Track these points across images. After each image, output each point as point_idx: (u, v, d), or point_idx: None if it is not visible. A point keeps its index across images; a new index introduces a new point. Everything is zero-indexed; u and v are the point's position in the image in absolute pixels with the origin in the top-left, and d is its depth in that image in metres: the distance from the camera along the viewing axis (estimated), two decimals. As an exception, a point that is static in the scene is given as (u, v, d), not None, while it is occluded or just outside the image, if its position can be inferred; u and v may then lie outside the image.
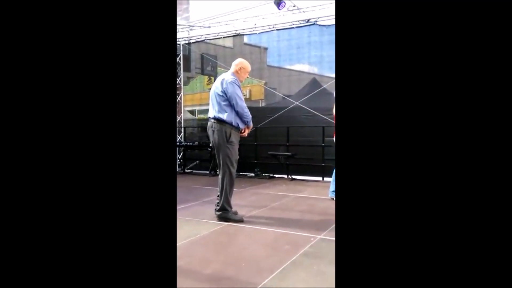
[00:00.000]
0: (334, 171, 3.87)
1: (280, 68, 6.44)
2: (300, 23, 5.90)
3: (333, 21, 5.70)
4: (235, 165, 2.98)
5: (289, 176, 5.67)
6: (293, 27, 5.98)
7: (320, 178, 5.38)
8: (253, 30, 6.30)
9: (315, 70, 6.13)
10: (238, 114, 2.90)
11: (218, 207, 2.97)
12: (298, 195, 4.25)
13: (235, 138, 2.94)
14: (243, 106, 2.89)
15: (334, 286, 1.68)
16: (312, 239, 2.41)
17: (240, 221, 2.91)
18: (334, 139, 3.91)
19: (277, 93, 6.48)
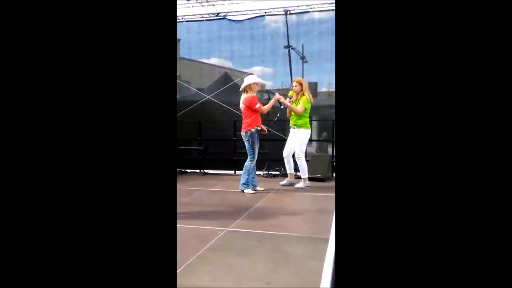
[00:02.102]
0: (245, 164, 3.97)
1: (192, 61, 6.31)
2: (210, 16, 5.85)
3: (243, 17, 5.79)
4: None
5: (202, 170, 5.62)
6: (203, 20, 5.90)
7: (232, 172, 5.46)
8: (162, 20, 6.03)
9: (226, 64, 6.16)
10: None
11: None
12: (210, 189, 4.23)
13: None
14: None
15: (238, 276, 1.73)
16: (219, 232, 2.42)
17: None
18: (241, 133, 3.99)
19: (190, 87, 6.35)
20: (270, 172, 5.30)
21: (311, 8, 5.51)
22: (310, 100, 4.21)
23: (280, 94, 4.21)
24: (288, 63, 5.71)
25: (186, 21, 5.97)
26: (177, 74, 6.40)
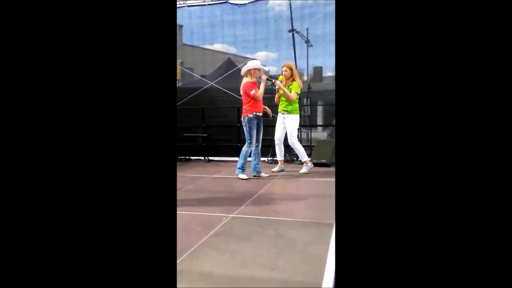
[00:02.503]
0: (242, 149, 3.96)
1: (194, 47, 6.24)
2: (212, 1, 5.74)
3: (246, 0, 5.67)
4: None
5: (206, 157, 5.62)
6: (204, 4, 5.80)
7: (237, 158, 5.43)
8: (163, 6, 5.95)
9: (229, 50, 6.08)
10: None
11: None
12: (214, 176, 4.23)
13: None
14: None
15: (242, 262, 1.73)
16: (224, 218, 2.42)
17: None
18: (242, 119, 3.95)
19: (193, 74, 6.30)
20: (275, 158, 5.28)
21: (315, -10, 5.37)
22: (300, 86, 4.18)
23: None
24: (292, 47, 5.61)
25: (188, 6, 5.87)
26: (180, 60, 6.36)
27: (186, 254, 1.83)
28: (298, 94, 4.14)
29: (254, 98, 3.87)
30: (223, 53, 6.07)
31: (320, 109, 5.98)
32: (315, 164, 4.69)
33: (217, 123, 5.75)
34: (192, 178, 4.06)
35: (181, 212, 2.64)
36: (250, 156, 4.04)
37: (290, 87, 4.13)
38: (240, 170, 3.94)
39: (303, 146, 4.72)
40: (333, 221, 2.24)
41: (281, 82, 4.15)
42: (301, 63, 5.73)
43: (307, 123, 5.72)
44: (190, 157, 5.78)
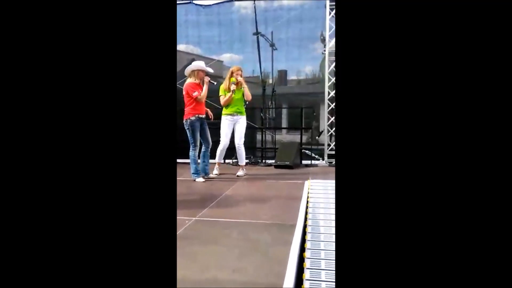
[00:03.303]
0: (190, 154, 3.90)
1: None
2: (177, 1, 5.65)
3: (209, 2, 5.64)
4: None
5: (170, 159, 5.51)
6: (169, 4, 5.70)
7: (199, 160, 5.39)
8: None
9: (194, 50, 6.02)
10: None
11: None
12: (178, 178, 4.16)
13: None
14: None
15: (205, 265, 1.71)
16: (187, 221, 2.39)
17: None
18: (184, 121, 3.86)
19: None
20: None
21: (279, -6, 5.46)
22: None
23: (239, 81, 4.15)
24: (257, 50, 5.66)
25: (151, 4, 5.74)
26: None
27: (147, 259, 1.78)
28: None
29: (196, 100, 3.79)
30: (187, 53, 5.99)
31: (284, 111, 6.07)
32: (279, 166, 4.75)
33: (181, 125, 5.66)
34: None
35: (142, 216, 2.57)
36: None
37: (242, 89, 4.16)
38: (196, 175, 3.91)
39: (267, 148, 4.76)
40: (295, 222, 2.28)
41: (235, 85, 4.11)
42: (266, 66, 5.80)
43: (271, 126, 5.79)
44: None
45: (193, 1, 5.61)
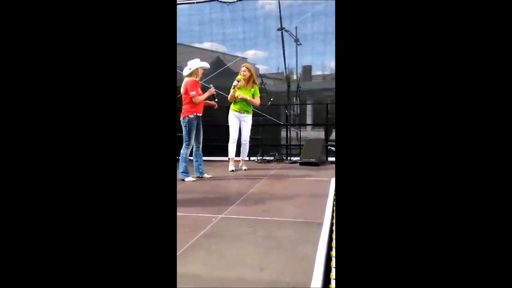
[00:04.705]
0: (181, 152, 3.86)
1: (182, 45, 6.17)
2: (201, -1, 5.70)
3: (234, -2, 5.64)
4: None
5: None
6: (193, 3, 5.75)
7: (226, 158, 5.42)
8: (151, 3, 5.88)
9: (218, 48, 6.04)
10: None
11: None
12: (201, 176, 4.20)
13: None
14: None
15: (231, 263, 1.71)
16: (213, 219, 2.40)
17: None
18: (182, 119, 3.84)
19: (182, 73, 6.24)
20: (264, 158, 5.28)
21: (304, -11, 5.38)
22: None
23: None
24: (281, 45, 5.61)
25: (177, 3, 5.81)
26: (169, 59, 6.29)
27: (174, 255, 1.80)
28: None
29: (192, 99, 3.76)
30: (212, 51, 6.03)
31: (309, 108, 5.99)
32: (304, 163, 4.70)
33: (206, 123, 5.71)
34: (179, 179, 4.02)
35: (169, 213, 2.61)
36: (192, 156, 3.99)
37: (252, 90, 4.22)
38: (185, 174, 3.85)
39: (292, 145, 4.72)
40: (321, 220, 2.24)
41: (239, 81, 4.22)
42: (291, 62, 5.73)
43: (296, 122, 5.73)
44: (178, 157, 5.73)
45: (217, -1, 5.63)
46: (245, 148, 4.47)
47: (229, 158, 4.48)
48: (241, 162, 4.51)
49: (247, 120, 4.36)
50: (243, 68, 4.28)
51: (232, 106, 4.38)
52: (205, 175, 4.04)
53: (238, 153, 4.59)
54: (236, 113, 4.34)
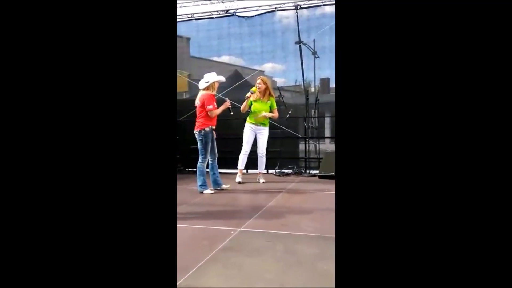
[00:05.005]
0: (198, 165, 3.84)
1: (201, 59, 6.29)
2: (219, 14, 5.81)
3: (252, 13, 5.73)
4: None
5: (214, 169, 5.59)
6: (212, 17, 5.87)
7: (244, 170, 5.42)
8: (171, 19, 6.04)
9: (236, 61, 6.12)
10: None
11: None
12: (219, 188, 4.20)
13: None
14: None
15: (250, 277, 1.69)
16: (232, 232, 2.39)
17: None
18: (195, 131, 3.83)
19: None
20: (282, 171, 5.24)
21: (322, 2, 5.40)
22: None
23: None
24: (299, 59, 5.62)
25: (196, 19, 5.95)
26: (188, 73, 6.40)
27: (194, 269, 1.79)
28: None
29: (208, 113, 3.76)
30: (230, 65, 6.10)
31: (327, 120, 5.95)
32: (324, 177, 4.64)
33: (224, 135, 5.74)
34: (198, 192, 4.03)
35: (187, 226, 2.61)
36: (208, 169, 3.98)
37: (269, 102, 4.23)
38: (203, 187, 3.85)
39: (311, 158, 4.67)
40: (342, 236, 2.19)
41: (253, 92, 4.25)
42: (309, 75, 5.73)
43: (314, 135, 5.69)
44: (194, 169, 5.76)
45: (236, 13, 5.72)
46: (262, 161, 4.48)
47: (238, 170, 4.48)
48: (259, 175, 4.51)
49: (264, 132, 4.38)
50: (258, 81, 4.31)
51: (248, 119, 4.42)
52: (223, 186, 4.05)
53: (249, 166, 4.58)
54: (253, 126, 4.37)
